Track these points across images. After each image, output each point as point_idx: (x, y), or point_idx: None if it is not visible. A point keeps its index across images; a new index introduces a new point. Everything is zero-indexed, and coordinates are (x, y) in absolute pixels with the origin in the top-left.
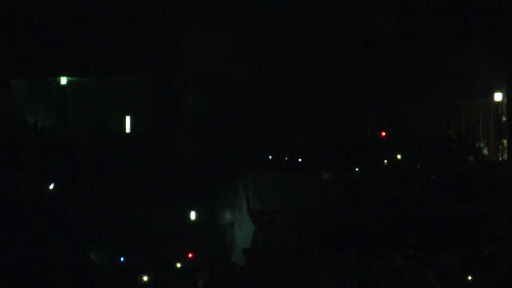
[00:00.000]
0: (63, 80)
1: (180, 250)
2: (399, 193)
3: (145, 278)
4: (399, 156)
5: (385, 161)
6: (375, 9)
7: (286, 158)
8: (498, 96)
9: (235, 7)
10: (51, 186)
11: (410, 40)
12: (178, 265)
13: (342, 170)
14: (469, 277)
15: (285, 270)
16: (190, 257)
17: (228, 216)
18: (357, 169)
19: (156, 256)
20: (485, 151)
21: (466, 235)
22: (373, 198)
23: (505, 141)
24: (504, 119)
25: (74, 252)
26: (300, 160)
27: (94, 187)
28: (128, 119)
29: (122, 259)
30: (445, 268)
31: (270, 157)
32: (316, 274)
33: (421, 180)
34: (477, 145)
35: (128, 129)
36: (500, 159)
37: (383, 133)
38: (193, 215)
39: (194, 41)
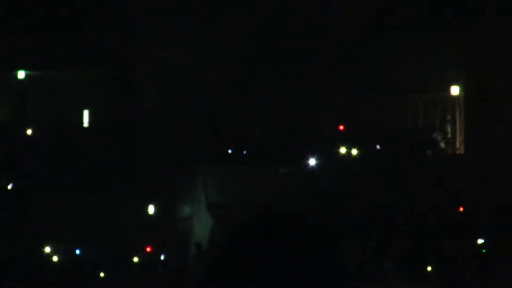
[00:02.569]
0: (21, 74)
1: (138, 243)
2: (356, 187)
3: (102, 273)
4: (355, 151)
5: (342, 154)
6: (332, 4)
7: (245, 152)
8: (455, 90)
9: (196, 2)
10: (10, 186)
11: (367, 34)
12: (135, 259)
13: (300, 164)
14: (429, 268)
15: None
16: (147, 251)
17: (186, 209)
18: (314, 163)
19: (113, 249)
20: (443, 145)
21: (422, 228)
22: (331, 192)
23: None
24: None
25: (32, 246)
26: (258, 154)
27: (52, 181)
28: (86, 113)
29: (79, 252)
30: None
31: (230, 150)
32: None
33: (378, 174)
34: (434, 138)
35: (86, 123)
36: (457, 152)
37: (341, 127)
38: (151, 209)
39: (153, 35)
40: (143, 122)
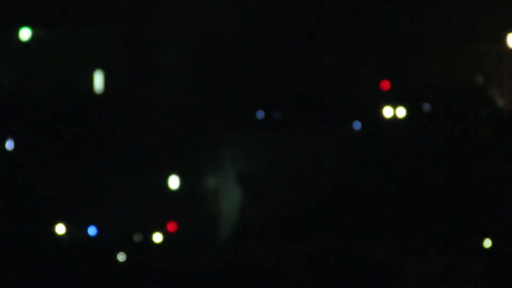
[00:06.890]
0: (25, 33)
1: (158, 221)
2: (403, 155)
3: (121, 255)
4: (402, 112)
5: (386, 116)
6: None
7: (276, 117)
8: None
9: None
10: (11, 145)
11: None
12: (157, 239)
13: (338, 129)
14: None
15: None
16: (169, 230)
17: (211, 182)
18: (354, 127)
19: (131, 228)
20: (500, 102)
21: (479, 200)
22: (371, 159)
23: None
24: None
25: (39, 222)
26: (291, 118)
27: (60, 152)
28: (97, 76)
29: (93, 232)
30: None
31: (259, 115)
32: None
33: (426, 137)
34: (490, 95)
35: (97, 87)
36: None
37: (384, 84)
38: (171, 182)
39: None
40: (160, 86)
